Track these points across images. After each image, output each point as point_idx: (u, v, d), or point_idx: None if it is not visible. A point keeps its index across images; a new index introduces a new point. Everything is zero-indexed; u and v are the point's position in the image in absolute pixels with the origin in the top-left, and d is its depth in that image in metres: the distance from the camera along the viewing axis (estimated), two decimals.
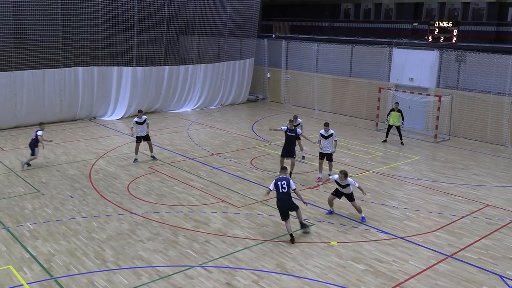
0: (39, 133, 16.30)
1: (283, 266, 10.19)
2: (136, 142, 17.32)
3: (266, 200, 13.82)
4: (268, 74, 31.05)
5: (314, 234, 11.73)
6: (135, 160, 17.35)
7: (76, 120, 24.06)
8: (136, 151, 17.41)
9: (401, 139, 20.67)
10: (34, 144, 16.35)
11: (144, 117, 17.20)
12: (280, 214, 11.49)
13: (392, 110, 20.70)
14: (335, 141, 15.72)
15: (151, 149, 17.64)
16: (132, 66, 25.08)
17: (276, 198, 11.55)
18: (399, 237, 11.69)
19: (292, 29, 32.76)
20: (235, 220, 12.45)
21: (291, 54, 29.79)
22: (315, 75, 28.26)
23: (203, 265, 10.15)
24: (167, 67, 26.61)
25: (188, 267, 10.05)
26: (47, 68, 22.57)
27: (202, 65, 28.22)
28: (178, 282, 9.46)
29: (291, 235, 11.31)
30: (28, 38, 22.18)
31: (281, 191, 11.30)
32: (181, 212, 12.91)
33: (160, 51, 26.15)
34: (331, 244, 11.24)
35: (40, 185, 14.81)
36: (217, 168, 16.83)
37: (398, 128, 20.58)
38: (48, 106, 22.94)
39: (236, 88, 30.01)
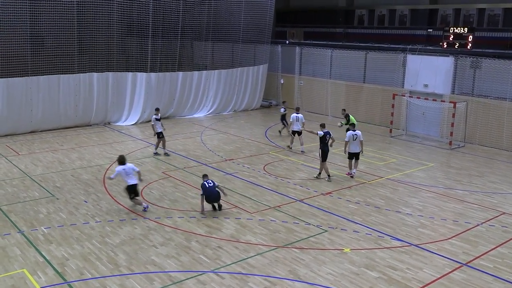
0: None
1: (296, 272, 10.14)
2: (159, 137, 18.86)
3: (279, 206, 13.79)
4: (282, 80, 31.06)
5: (327, 241, 11.66)
6: (156, 153, 19.05)
7: (90, 125, 24.27)
8: (157, 146, 19.10)
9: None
10: None
11: (160, 115, 19.13)
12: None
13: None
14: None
15: (164, 145, 19.15)
16: (146, 72, 25.27)
17: None
18: (413, 245, 11.56)
19: (306, 35, 32.78)
20: (248, 226, 12.43)
21: (304, 60, 29.79)
22: (328, 81, 28.20)
23: (215, 270, 10.14)
24: (181, 73, 26.76)
25: (200, 273, 10.04)
26: (62, 74, 22.85)
27: (216, 71, 28.34)
28: None
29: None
30: (44, 44, 22.47)
31: None
32: (194, 217, 12.93)
33: (174, 57, 26.32)
34: (344, 251, 11.16)
35: (54, 189, 14.94)
36: (230, 174, 16.84)
37: None
38: (63, 111, 23.19)
39: (249, 94, 30.07)
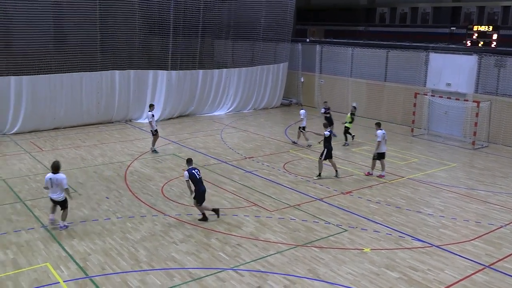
0: None
1: (315, 271, 10.11)
2: (154, 135, 18.98)
3: (299, 205, 13.76)
4: (302, 78, 30.97)
5: (347, 240, 11.60)
6: (154, 151, 19.03)
7: (112, 123, 24.54)
8: (154, 143, 19.16)
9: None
10: None
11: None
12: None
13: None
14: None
15: (154, 143, 19.24)
16: (167, 70, 25.44)
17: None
18: (434, 246, 11.43)
19: (326, 33, 32.61)
20: (267, 224, 12.43)
21: (325, 59, 29.64)
22: (349, 80, 28.01)
23: (235, 268, 10.17)
24: (201, 71, 26.87)
25: (220, 270, 10.08)
26: (85, 72, 23.15)
27: (236, 69, 28.39)
28: (210, 285, 9.51)
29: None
30: (67, 42, 22.80)
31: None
32: (214, 214, 12.97)
33: (194, 55, 26.44)
34: (364, 250, 11.09)
35: (77, 185, 15.15)
36: (250, 172, 16.86)
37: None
38: (86, 108, 23.50)
39: (269, 92, 30.05)
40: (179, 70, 25.84)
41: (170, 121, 25.50)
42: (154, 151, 19.02)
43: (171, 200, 14.02)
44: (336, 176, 16.24)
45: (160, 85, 25.53)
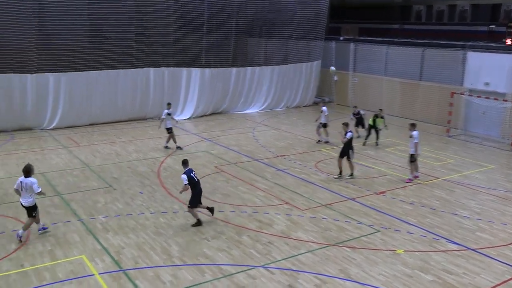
0: None
1: (347, 272, 10.02)
2: (170, 132, 19.02)
3: (331, 204, 13.67)
4: (336, 77, 30.69)
5: (380, 241, 11.45)
6: (167, 147, 19.25)
7: (146, 119, 24.90)
8: (169, 140, 19.18)
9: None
10: None
11: (171, 109, 19.35)
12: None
13: (376, 116, 20.42)
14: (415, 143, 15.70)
15: (169, 140, 19.24)
16: (201, 67, 25.65)
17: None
18: (470, 249, 11.16)
19: (360, 31, 32.27)
20: (299, 223, 12.40)
21: (359, 57, 29.30)
22: (383, 78, 27.62)
23: (265, 266, 10.19)
24: (234, 69, 26.99)
25: (251, 267, 10.11)
26: (120, 69, 23.57)
27: (269, 67, 28.39)
28: (241, 282, 9.55)
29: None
30: (104, 40, 23.27)
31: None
32: (245, 212, 13.03)
33: (228, 53, 26.57)
34: (397, 252, 10.93)
35: (112, 180, 15.46)
36: (281, 170, 16.84)
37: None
38: (121, 105, 23.93)
39: (302, 90, 29.93)
40: (213, 67, 26.02)
41: (203, 118, 25.72)
42: (167, 147, 19.24)
43: (203, 196, 14.09)
44: (350, 177, 15.94)
45: (193, 83, 25.77)
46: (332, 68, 19.31)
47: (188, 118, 25.54)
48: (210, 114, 26.47)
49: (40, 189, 11.05)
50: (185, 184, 11.76)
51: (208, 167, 17.01)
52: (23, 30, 21.02)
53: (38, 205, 11.35)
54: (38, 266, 10.04)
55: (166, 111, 19.10)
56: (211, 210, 12.40)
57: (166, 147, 19.26)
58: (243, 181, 15.53)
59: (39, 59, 21.62)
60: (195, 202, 12.03)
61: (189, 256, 10.58)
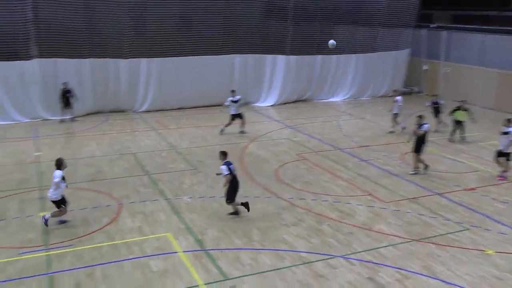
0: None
1: (431, 269, 9.65)
2: (232, 119, 19.29)
3: (416, 198, 13.19)
4: (425, 66, 29.39)
5: (468, 240, 10.90)
6: (222, 130, 19.54)
7: None
8: (227, 126, 19.42)
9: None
10: None
11: (238, 97, 19.27)
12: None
13: (458, 108, 18.99)
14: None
15: (243, 125, 19.55)
16: (286, 54, 25.63)
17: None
18: None
19: (454, 18, 30.47)
20: (381, 215, 12.10)
21: (452, 46, 27.78)
22: (478, 69, 26.01)
23: (345, 256, 10.07)
24: (320, 56, 26.67)
25: (330, 257, 10.04)
26: (208, 55, 24.13)
27: (355, 55, 27.75)
28: (320, 270, 9.52)
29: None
30: (192, 27, 23.96)
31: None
32: (327, 201, 12.93)
33: (313, 40, 26.28)
34: (487, 252, 10.34)
35: (197, 163, 15.96)
36: (365, 161, 16.49)
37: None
38: (208, 90, 24.52)
39: (389, 79, 28.97)
40: (298, 55, 25.90)
41: (286, 105, 25.74)
42: (243, 132, 19.47)
43: (284, 183, 14.21)
44: (423, 171, 15.16)
45: (278, 70, 25.82)
46: (332, 42, 18.30)
47: (271, 105, 25.68)
48: (293, 102, 26.43)
49: (56, 179, 10.75)
50: (226, 175, 11.47)
51: (289, 154, 17.04)
52: (118, 18, 22.16)
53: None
54: (127, 240, 10.65)
55: (230, 98, 19.29)
56: (246, 205, 11.94)
57: (242, 132, 19.49)
58: (325, 170, 15.40)
59: (132, 45, 22.73)
60: (233, 196, 11.72)
61: (269, 241, 10.71)
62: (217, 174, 12.25)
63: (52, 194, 10.98)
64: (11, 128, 20.36)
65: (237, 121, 19.48)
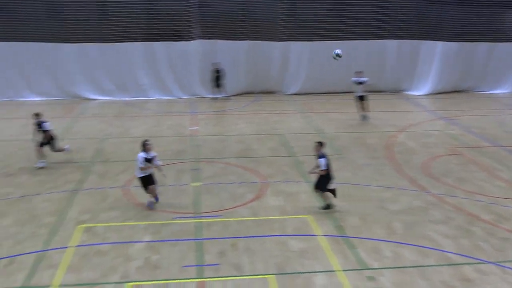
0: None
1: None
2: (357, 101, 18.66)
3: None
4: None
5: None
6: (364, 117, 18.81)
7: (381, 92, 24.33)
8: (359, 110, 18.80)
9: None
10: None
11: (363, 78, 18.40)
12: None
13: None
14: None
15: (363, 108, 18.74)
16: (444, 41, 23.88)
17: None
18: None
19: None
20: None
21: None
22: None
23: (498, 263, 9.20)
24: (482, 43, 24.33)
25: (481, 262, 9.25)
26: (359, 40, 23.51)
27: None
28: (468, 274, 8.83)
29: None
30: (346, 10, 23.66)
31: None
32: (481, 201, 11.91)
33: (476, 26, 24.02)
34: None
35: (341, 149, 15.81)
36: None
37: None
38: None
39: None
40: (458, 41, 23.96)
41: (441, 95, 24.08)
42: (365, 116, 18.83)
43: (434, 177, 13.41)
44: None
45: (435, 57, 24.17)
46: (337, 52, 16.00)
47: (425, 94, 24.25)
48: (450, 92, 24.58)
49: (140, 164, 10.97)
50: (323, 170, 10.91)
51: (441, 148, 16.01)
52: (273, 2, 22.85)
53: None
54: (270, 217, 11.01)
55: (354, 79, 18.57)
56: (333, 192, 11.34)
57: (364, 117, 18.75)
58: (481, 168, 14.17)
59: (285, 28, 23.12)
60: (325, 186, 11.16)
61: (412, 236, 10.23)
62: (310, 173, 11.68)
63: (137, 173, 11.29)
64: (173, 103, 22.37)
65: (359, 104, 18.78)
